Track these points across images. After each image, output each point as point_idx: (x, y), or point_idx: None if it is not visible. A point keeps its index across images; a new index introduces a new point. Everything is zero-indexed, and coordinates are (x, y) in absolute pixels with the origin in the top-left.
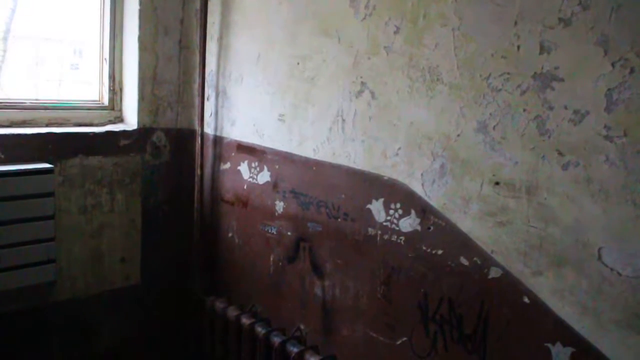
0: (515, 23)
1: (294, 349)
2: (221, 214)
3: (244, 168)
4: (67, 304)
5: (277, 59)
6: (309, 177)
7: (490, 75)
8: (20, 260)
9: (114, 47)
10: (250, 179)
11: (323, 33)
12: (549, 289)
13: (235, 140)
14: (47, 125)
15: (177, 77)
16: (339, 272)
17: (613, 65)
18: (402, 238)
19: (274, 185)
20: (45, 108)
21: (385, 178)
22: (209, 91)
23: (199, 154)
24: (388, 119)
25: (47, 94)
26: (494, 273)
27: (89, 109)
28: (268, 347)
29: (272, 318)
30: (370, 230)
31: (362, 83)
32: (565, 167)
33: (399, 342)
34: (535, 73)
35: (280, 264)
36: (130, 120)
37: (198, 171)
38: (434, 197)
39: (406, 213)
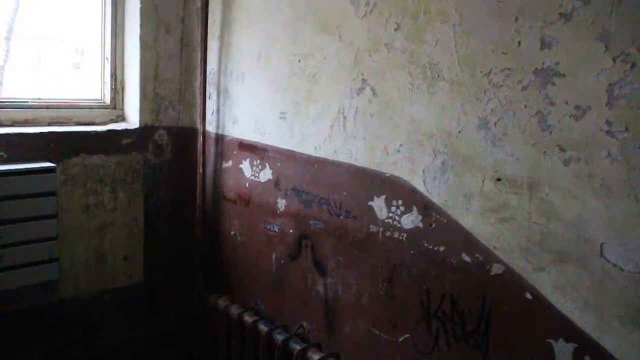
0: (516, 19)
1: (296, 347)
2: (223, 212)
3: (245, 166)
4: (70, 303)
5: (278, 56)
6: (310, 174)
7: (491, 71)
8: (23, 259)
9: (115, 46)
10: (252, 177)
11: (324, 31)
12: (551, 285)
13: (237, 139)
14: (49, 124)
15: (179, 76)
16: (341, 270)
17: (614, 60)
18: (404, 235)
19: (276, 183)
20: (48, 107)
21: (387, 175)
22: (210, 89)
23: (201, 152)
24: (389, 115)
25: (49, 93)
26: (496, 269)
27: (90, 108)
28: (271, 345)
29: (275, 316)
30: (372, 228)
31: (363, 80)
32: (566, 162)
33: (401, 339)
34: (536, 69)
35: (283, 261)
36: (132, 118)
37: (200, 169)
38: (436, 193)
39: (408, 210)
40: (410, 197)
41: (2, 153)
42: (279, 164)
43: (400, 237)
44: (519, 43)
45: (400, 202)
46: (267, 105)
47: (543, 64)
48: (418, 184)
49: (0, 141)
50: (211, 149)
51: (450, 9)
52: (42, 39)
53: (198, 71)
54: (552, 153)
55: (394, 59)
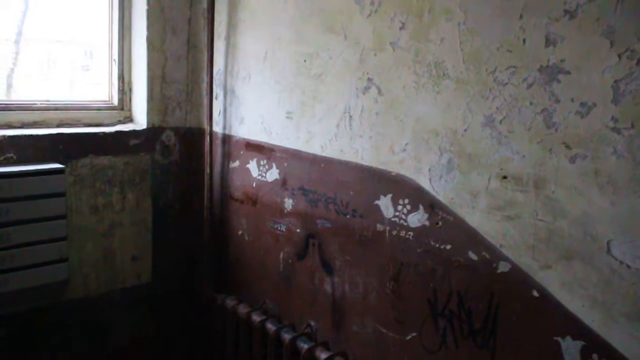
0: (521, 16)
1: (304, 345)
2: (231, 212)
3: (252, 166)
4: (79, 303)
5: (284, 56)
6: (317, 174)
7: (496, 69)
8: (32, 259)
9: (122, 47)
10: (259, 177)
11: (329, 30)
12: (558, 282)
13: (244, 139)
14: (57, 126)
15: (186, 77)
16: (348, 268)
17: (619, 56)
18: (411, 233)
19: (283, 182)
20: (56, 109)
21: (393, 174)
22: (217, 90)
23: (208, 152)
24: (395, 114)
25: (58, 95)
26: (502, 267)
27: (98, 109)
28: (279, 344)
29: (283, 315)
30: (379, 226)
31: (369, 79)
32: (572, 159)
33: (408, 338)
34: (541, 66)
35: (290, 261)
36: (140, 119)
37: (207, 169)
38: (442, 192)
39: (414, 208)
40: (416, 195)
41: (12, 154)
42: (285, 164)
43: (407, 236)
44: (524, 40)
45: (406, 200)
46: (274, 105)
47: (548, 61)
48: (424, 182)
49: (9, 143)
50: (218, 149)
51: (454, 7)
52: (50, 41)
53: (205, 72)
54: (558, 150)
55: (399, 57)
